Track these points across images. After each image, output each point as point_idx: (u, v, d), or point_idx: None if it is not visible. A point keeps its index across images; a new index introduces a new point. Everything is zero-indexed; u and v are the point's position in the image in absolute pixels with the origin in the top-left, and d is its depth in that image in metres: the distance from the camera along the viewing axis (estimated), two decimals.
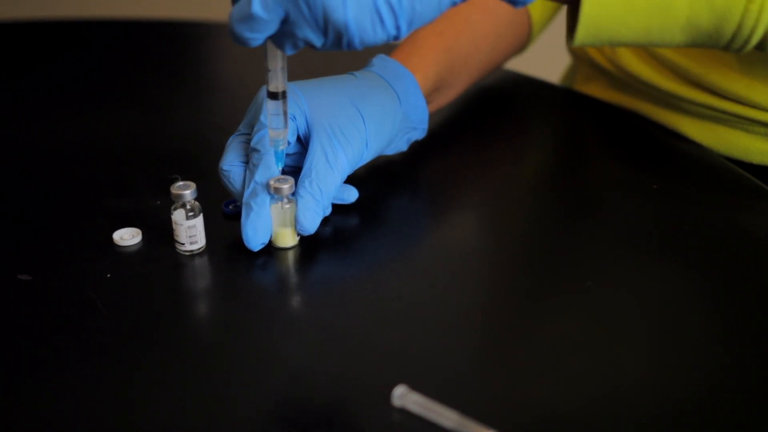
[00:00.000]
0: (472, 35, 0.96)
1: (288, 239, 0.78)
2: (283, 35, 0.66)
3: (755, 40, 0.77)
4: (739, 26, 0.76)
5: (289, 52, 0.68)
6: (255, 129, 0.79)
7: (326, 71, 0.88)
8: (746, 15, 0.76)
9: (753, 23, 0.76)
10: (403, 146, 0.88)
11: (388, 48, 0.96)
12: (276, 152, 0.76)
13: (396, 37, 0.65)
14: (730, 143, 0.95)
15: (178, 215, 0.77)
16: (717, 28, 0.75)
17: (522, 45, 1.03)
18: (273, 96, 0.74)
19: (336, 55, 1.12)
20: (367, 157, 0.83)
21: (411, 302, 0.74)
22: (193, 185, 0.76)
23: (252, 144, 0.79)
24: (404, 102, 0.86)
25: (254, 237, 0.77)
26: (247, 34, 0.65)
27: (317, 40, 0.65)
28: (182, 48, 1.24)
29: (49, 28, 1.26)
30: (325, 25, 0.64)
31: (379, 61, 0.88)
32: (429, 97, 0.91)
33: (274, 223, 0.77)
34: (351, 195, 0.83)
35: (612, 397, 0.66)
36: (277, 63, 0.73)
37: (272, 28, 0.65)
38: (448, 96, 0.96)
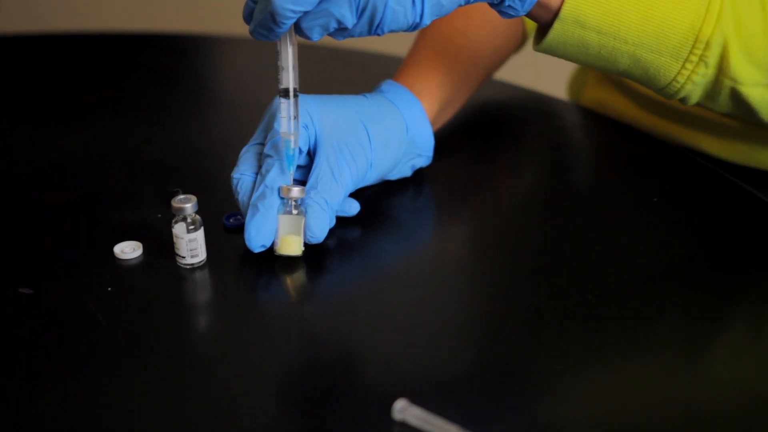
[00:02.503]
0: (472, 51, 0.96)
1: (294, 247, 0.78)
2: (316, 16, 0.70)
3: (679, 97, 0.82)
4: (667, 86, 0.81)
5: (316, 36, 0.71)
6: (268, 137, 0.80)
7: (335, 90, 0.88)
8: (672, 84, 0.81)
9: (678, 86, 0.81)
10: (407, 172, 0.89)
11: (393, 69, 0.96)
12: (287, 155, 0.77)
13: (416, 26, 0.72)
14: (747, 155, 0.96)
15: (178, 228, 0.77)
16: (646, 84, 0.82)
17: (516, 50, 1.04)
18: (285, 94, 0.77)
19: (344, 76, 1.13)
20: (370, 178, 0.84)
21: (412, 316, 0.74)
22: (194, 199, 0.76)
23: (265, 150, 0.80)
24: (411, 128, 0.87)
25: (256, 237, 0.77)
26: (290, 6, 0.68)
27: (350, 21, 0.70)
28: (184, 61, 1.24)
29: (51, 41, 1.27)
30: (364, 4, 0.69)
31: (388, 86, 0.89)
32: (434, 119, 0.92)
33: (282, 230, 0.78)
34: (353, 208, 0.83)
35: (611, 411, 0.66)
36: (289, 61, 0.76)
37: (313, 2, 0.69)
38: (450, 113, 0.96)
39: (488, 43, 0.98)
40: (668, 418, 0.65)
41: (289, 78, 0.77)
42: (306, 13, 0.70)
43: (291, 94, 0.77)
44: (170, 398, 0.66)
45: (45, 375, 0.68)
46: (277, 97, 0.79)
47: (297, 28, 0.72)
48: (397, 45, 1.21)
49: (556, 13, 0.77)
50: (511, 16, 0.76)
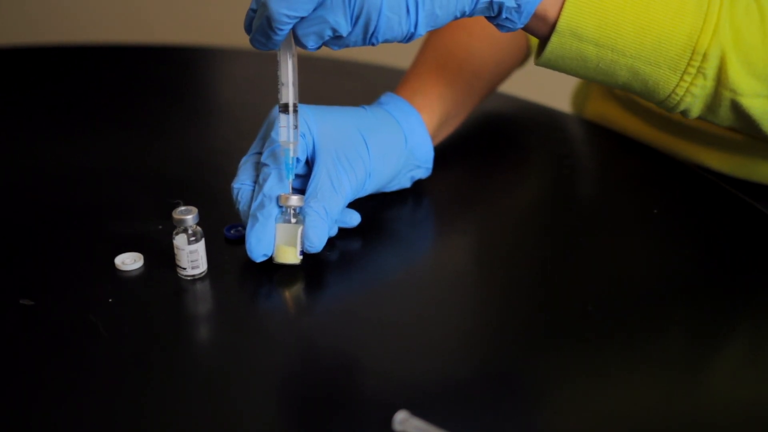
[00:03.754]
0: (474, 65, 0.97)
1: (290, 256, 0.78)
2: (311, 23, 0.71)
3: (679, 110, 0.82)
4: (667, 99, 0.81)
5: (312, 44, 0.72)
6: (266, 145, 0.81)
7: (334, 101, 0.88)
8: (671, 96, 0.80)
9: (678, 99, 0.81)
10: (406, 183, 0.89)
11: (393, 81, 0.96)
12: (287, 164, 0.78)
13: (411, 36, 0.72)
14: (748, 169, 0.96)
15: (179, 240, 0.77)
16: (646, 97, 0.82)
17: (520, 64, 1.04)
18: (284, 109, 0.77)
19: (343, 88, 1.13)
20: (369, 188, 0.84)
21: (412, 327, 0.74)
22: (194, 210, 0.76)
23: (262, 159, 0.80)
24: (410, 140, 0.87)
25: (257, 247, 0.77)
26: (285, 11, 0.69)
27: (344, 28, 0.71)
28: (184, 73, 1.24)
29: (51, 53, 1.27)
30: (359, 12, 0.70)
31: (388, 98, 0.90)
32: (435, 132, 0.92)
33: (279, 239, 0.78)
34: (354, 219, 0.83)
35: (611, 423, 0.66)
36: (288, 76, 0.77)
37: (308, 8, 0.69)
38: (453, 126, 0.97)
39: (491, 57, 0.99)
40: (668, 430, 0.65)
41: (289, 93, 0.78)
42: (302, 19, 0.71)
43: (290, 109, 0.78)
44: (172, 409, 0.66)
45: (46, 386, 0.68)
46: (276, 107, 0.79)
47: (294, 37, 0.72)
48: (396, 57, 1.21)
49: (553, 26, 0.77)
50: (509, 30, 0.76)
